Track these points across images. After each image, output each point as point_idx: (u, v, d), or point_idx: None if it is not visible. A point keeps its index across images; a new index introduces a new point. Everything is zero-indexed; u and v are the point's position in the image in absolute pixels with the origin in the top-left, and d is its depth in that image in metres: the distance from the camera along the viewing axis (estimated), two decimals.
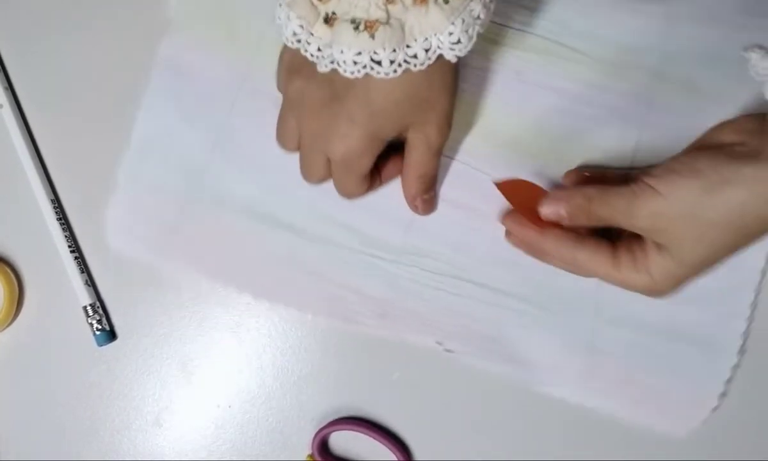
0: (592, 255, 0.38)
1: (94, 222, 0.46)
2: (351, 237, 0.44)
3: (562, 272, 0.40)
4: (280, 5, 0.37)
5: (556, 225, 0.38)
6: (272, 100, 0.42)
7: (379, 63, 0.34)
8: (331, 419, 0.44)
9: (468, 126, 0.44)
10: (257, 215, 0.45)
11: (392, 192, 0.43)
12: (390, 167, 0.42)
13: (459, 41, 0.34)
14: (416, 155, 0.40)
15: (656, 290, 0.37)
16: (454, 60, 0.35)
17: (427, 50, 0.35)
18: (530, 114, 0.44)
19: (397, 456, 0.43)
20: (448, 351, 0.44)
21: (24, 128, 0.46)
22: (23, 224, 0.46)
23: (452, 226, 0.44)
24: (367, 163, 0.39)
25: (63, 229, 0.45)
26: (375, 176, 0.42)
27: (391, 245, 0.44)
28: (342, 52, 0.35)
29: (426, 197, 0.42)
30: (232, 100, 0.45)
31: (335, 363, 0.45)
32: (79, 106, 0.46)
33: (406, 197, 0.42)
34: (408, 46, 0.35)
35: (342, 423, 0.44)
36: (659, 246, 0.36)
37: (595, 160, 0.43)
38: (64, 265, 0.45)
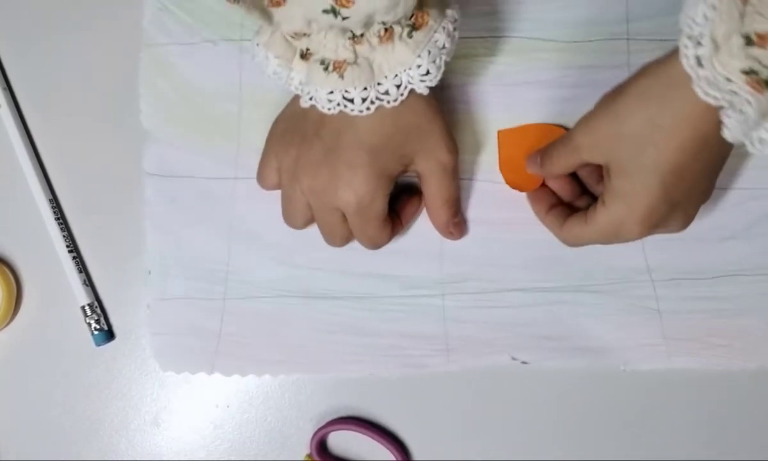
0: (560, 218, 0.40)
1: (92, 222, 0.45)
2: (390, 285, 0.44)
3: (606, 252, 0.41)
4: (257, 45, 0.38)
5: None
6: None
7: (351, 101, 0.35)
8: (329, 419, 0.44)
9: (465, 143, 0.44)
10: (292, 294, 0.44)
11: (416, 229, 0.44)
12: (408, 207, 0.42)
13: (428, 73, 0.35)
14: (434, 182, 0.40)
15: (636, 214, 0.36)
16: (425, 92, 0.36)
17: (398, 86, 0.35)
18: (520, 112, 0.44)
19: (395, 456, 0.43)
20: (524, 363, 0.44)
21: (22, 127, 0.46)
22: (21, 224, 0.45)
23: (483, 243, 0.44)
24: (380, 204, 0.39)
25: (61, 229, 0.45)
26: (395, 220, 0.42)
27: (432, 280, 0.44)
28: (316, 90, 0.36)
29: (456, 220, 0.42)
30: (231, 190, 0.45)
31: None
32: (77, 106, 0.46)
33: (438, 227, 0.42)
34: (379, 84, 0.35)
35: (340, 423, 0.44)
36: (617, 169, 0.36)
37: None
38: (62, 265, 0.45)
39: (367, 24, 0.34)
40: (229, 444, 0.45)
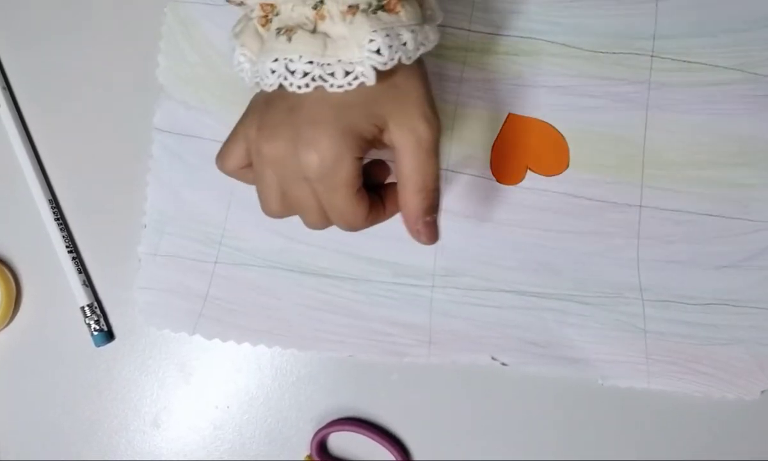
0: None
1: (92, 222, 0.45)
2: (382, 270, 0.44)
3: (599, 262, 0.42)
4: (234, 47, 0.35)
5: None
6: None
7: (292, 73, 0.32)
8: (329, 420, 0.44)
9: (475, 138, 0.44)
10: (285, 266, 0.44)
11: None
12: (393, 195, 0.35)
13: (379, 52, 0.31)
14: (407, 158, 0.33)
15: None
16: (371, 77, 0.31)
17: (347, 73, 0.31)
18: (534, 114, 0.44)
19: (395, 457, 0.44)
20: (504, 364, 0.44)
21: (21, 127, 0.45)
22: (21, 225, 0.45)
23: (479, 240, 0.44)
24: (348, 168, 0.32)
25: (60, 229, 0.45)
26: (377, 202, 0.35)
27: (424, 271, 0.44)
28: (263, 63, 0.32)
29: (428, 218, 0.34)
30: None
31: (333, 364, 0.45)
32: (76, 105, 0.45)
33: (406, 220, 0.34)
34: (328, 64, 0.31)
35: (341, 424, 0.44)
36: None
37: (610, 146, 0.44)
38: (62, 265, 0.44)
39: None
40: (229, 445, 0.45)
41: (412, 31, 0.32)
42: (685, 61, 0.44)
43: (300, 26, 0.32)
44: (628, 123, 0.44)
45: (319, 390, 0.45)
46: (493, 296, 0.44)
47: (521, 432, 0.44)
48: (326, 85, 0.31)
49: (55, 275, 0.45)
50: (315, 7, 0.32)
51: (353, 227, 0.34)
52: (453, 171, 0.44)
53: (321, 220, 0.34)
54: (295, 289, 0.44)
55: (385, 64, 0.31)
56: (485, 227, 0.44)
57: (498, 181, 0.44)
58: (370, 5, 0.32)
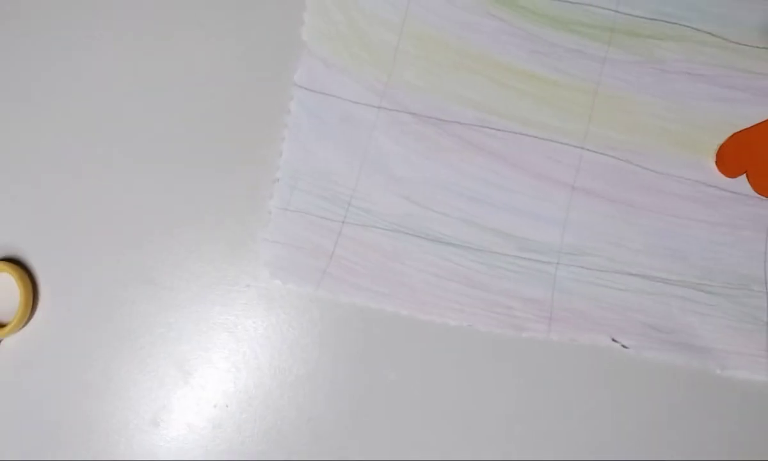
0: None
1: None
2: (508, 244, 0.44)
3: (727, 253, 0.42)
4: None
5: None
6: (412, 113, 0.42)
7: None
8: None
9: (616, 120, 0.44)
10: (411, 231, 0.45)
11: (545, 192, 0.44)
12: None
13: None
14: None
15: None
16: None
17: None
18: (674, 100, 0.44)
19: None
20: (624, 347, 0.44)
21: None
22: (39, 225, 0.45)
23: (608, 220, 0.44)
24: None
25: None
26: None
27: (550, 247, 0.44)
28: None
29: None
30: (374, 118, 0.45)
31: (332, 364, 0.45)
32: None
33: None
34: None
35: None
36: None
37: None
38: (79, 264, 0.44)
39: None
40: (227, 444, 0.44)
41: None
42: None
43: None
44: None
45: (318, 390, 0.44)
46: (618, 278, 0.44)
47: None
48: None
49: (70, 276, 0.44)
50: None
51: None
52: (591, 150, 0.44)
53: None
54: (419, 255, 0.45)
55: None
56: (616, 207, 0.44)
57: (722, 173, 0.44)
58: None
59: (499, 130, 0.45)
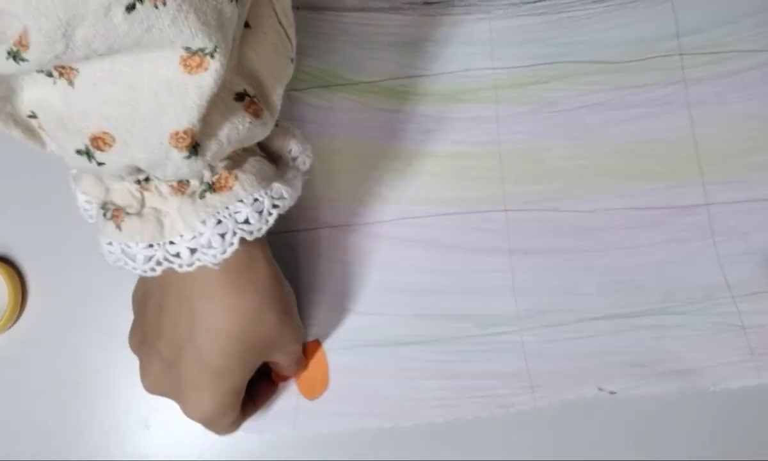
0: None
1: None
2: (465, 325, 0.43)
3: (680, 269, 0.42)
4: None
5: None
6: (331, 226, 0.43)
7: (133, 258, 0.30)
8: None
9: (528, 173, 0.44)
10: (369, 343, 0.43)
11: (481, 266, 0.43)
12: (263, 393, 0.41)
13: (211, 245, 0.29)
14: (288, 367, 0.39)
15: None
16: (213, 265, 0.30)
17: (192, 251, 0.29)
18: (578, 137, 0.44)
19: None
20: (612, 393, 0.42)
21: None
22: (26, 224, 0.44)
23: (554, 273, 0.43)
24: (231, 417, 0.36)
25: None
26: (248, 404, 0.39)
27: (507, 316, 0.43)
28: (100, 239, 0.30)
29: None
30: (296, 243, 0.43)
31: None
32: None
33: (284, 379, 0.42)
34: (171, 243, 0.29)
35: None
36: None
37: (662, 151, 0.44)
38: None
39: (139, 173, 0.28)
40: (220, 445, 0.43)
41: (255, 201, 0.29)
42: (713, 52, 0.44)
43: (124, 210, 0.29)
44: (675, 125, 0.44)
45: None
46: (583, 326, 0.42)
47: (520, 435, 0.42)
48: (175, 267, 0.30)
49: (59, 275, 0.44)
50: (138, 182, 0.29)
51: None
52: (514, 210, 0.43)
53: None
54: (385, 362, 0.42)
55: (224, 252, 0.29)
56: (557, 258, 0.43)
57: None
58: (200, 185, 0.29)
59: (420, 217, 0.44)
